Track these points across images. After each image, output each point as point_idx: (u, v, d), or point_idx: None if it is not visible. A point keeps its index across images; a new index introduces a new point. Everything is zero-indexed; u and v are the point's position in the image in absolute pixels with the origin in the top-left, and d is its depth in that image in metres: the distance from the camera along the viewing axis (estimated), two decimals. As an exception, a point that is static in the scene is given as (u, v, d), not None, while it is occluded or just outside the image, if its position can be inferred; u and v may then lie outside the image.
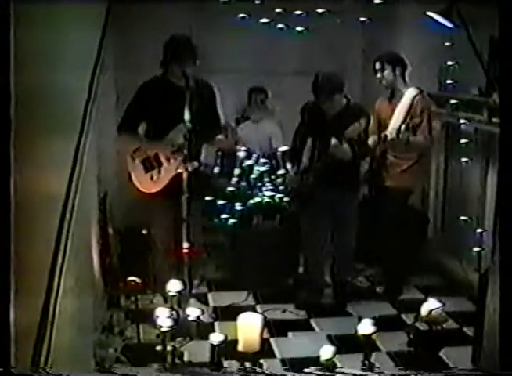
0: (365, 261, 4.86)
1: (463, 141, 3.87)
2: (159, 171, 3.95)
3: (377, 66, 4.30)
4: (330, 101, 4.00)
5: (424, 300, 3.69)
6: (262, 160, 4.76)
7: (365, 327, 3.20)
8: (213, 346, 3.14)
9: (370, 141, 4.37)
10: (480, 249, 3.53)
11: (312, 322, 4.11)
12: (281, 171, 4.74)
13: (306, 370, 2.66)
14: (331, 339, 3.80)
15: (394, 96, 4.33)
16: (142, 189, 3.96)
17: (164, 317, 3.30)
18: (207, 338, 3.24)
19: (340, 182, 3.99)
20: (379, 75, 4.30)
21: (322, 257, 4.32)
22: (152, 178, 3.95)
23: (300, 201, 4.37)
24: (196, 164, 3.96)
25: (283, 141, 5.16)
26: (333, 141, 3.89)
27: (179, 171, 3.82)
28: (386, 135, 4.25)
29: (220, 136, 4.08)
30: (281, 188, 4.67)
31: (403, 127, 4.11)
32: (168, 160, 3.93)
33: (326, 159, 3.97)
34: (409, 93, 4.25)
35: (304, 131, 4.20)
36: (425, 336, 3.61)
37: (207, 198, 4.52)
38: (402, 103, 4.26)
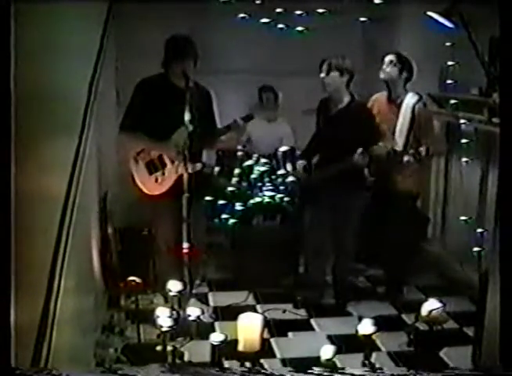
0: (366, 261, 4.87)
1: (463, 141, 3.87)
2: (163, 173, 3.93)
3: (389, 58, 4.23)
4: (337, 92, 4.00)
5: (424, 300, 3.69)
6: (263, 161, 4.76)
7: (366, 327, 3.21)
8: (213, 346, 3.15)
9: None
10: (480, 249, 3.53)
11: (312, 322, 4.11)
12: (281, 171, 4.73)
13: (306, 370, 2.66)
14: (331, 339, 3.80)
15: (391, 95, 4.29)
16: (147, 192, 3.94)
17: (164, 317, 3.30)
18: (207, 338, 3.25)
19: (342, 182, 3.98)
20: (384, 67, 4.23)
21: (323, 257, 4.32)
22: (156, 180, 3.94)
23: (303, 201, 4.38)
24: (199, 165, 3.96)
25: (294, 141, 5.15)
26: (356, 156, 3.84)
27: (183, 172, 3.81)
28: (394, 150, 4.17)
29: (228, 134, 4.06)
30: (281, 188, 4.67)
31: (411, 158, 4.05)
32: (172, 161, 3.91)
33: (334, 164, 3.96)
34: (409, 99, 4.20)
35: (316, 130, 4.19)
36: (425, 336, 3.61)
37: (208, 198, 4.52)
38: (403, 110, 4.20)
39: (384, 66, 4.24)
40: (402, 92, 4.24)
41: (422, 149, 4.05)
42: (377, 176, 4.43)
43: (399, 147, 4.18)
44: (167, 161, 3.93)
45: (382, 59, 4.28)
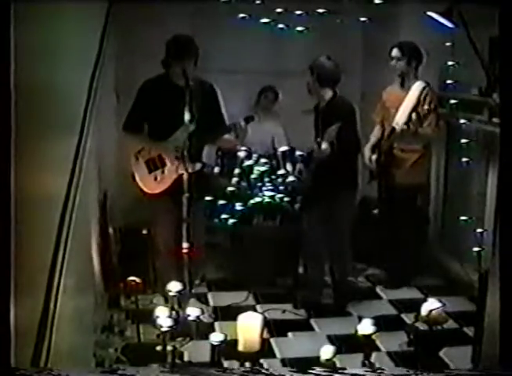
0: (366, 260, 4.88)
1: (463, 141, 3.87)
2: (162, 172, 3.94)
3: (395, 53, 4.39)
4: (321, 93, 4.08)
5: (424, 300, 3.69)
6: (262, 160, 4.75)
7: (365, 327, 3.21)
8: (213, 346, 3.15)
9: (376, 134, 4.50)
10: (480, 249, 3.53)
11: (312, 322, 4.11)
12: (281, 171, 4.73)
13: (306, 370, 2.66)
14: (331, 339, 3.80)
15: (404, 86, 4.44)
16: (146, 190, 3.95)
17: (164, 317, 3.30)
18: (207, 338, 3.25)
19: (335, 181, 3.98)
20: (393, 62, 4.41)
21: (321, 257, 4.32)
22: (156, 178, 3.95)
23: (298, 201, 4.40)
24: (199, 165, 3.96)
25: (286, 141, 5.15)
26: (314, 147, 3.90)
27: (183, 172, 3.82)
28: (393, 128, 4.32)
29: (227, 136, 4.08)
30: (281, 188, 4.66)
31: (413, 115, 4.20)
32: (172, 161, 3.92)
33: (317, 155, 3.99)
34: (417, 86, 4.34)
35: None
36: (425, 336, 3.61)
37: (208, 198, 4.52)
38: (409, 95, 4.34)
39: (393, 63, 4.41)
40: (412, 78, 4.41)
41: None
42: (379, 171, 4.49)
43: (399, 125, 4.31)
44: (167, 160, 3.94)
45: (389, 53, 4.42)
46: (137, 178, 3.97)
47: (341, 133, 3.84)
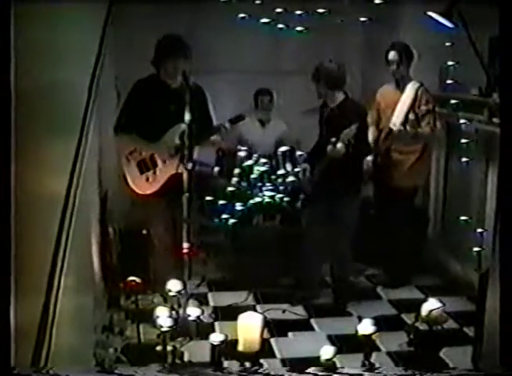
0: (366, 260, 4.88)
1: (463, 141, 3.87)
2: (154, 173, 3.96)
3: (393, 56, 4.39)
4: (330, 95, 4.07)
5: (424, 300, 3.69)
6: (262, 160, 4.75)
7: (366, 327, 3.21)
8: (213, 346, 3.15)
9: (371, 135, 4.47)
10: (480, 249, 3.53)
11: (312, 322, 4.11)
12: (281, 171, 4.73)
13: (306, 370, 2.66)
14: (331, 339, 3.80)
15: (399, 86, 4.44)
16: (138, 191, 3.97)
17: (164, 317, 3.30)
18: (207, 338, 3.25)
19: (337, 181, 3.99)
20: (393, 67, 4.39)
21: (321, 257, 4.32)
22: (147, 179, 3.96)
23: (300, 200, 4.40)
24: (190, 165, 3.95)
25: (295, 141, 5.15)
26: (329, 146, 3.89)
27: (174, 172, 3.82)
28: (390, 129, 4.31)
29: (214, 137, 4.08)
30: (281, 188, 4.66)
31: (411, 115, 4.19)
32: (164, 161, 3.93)
33: (323, 156, 3.98)
34: (412, 86, 4.36)
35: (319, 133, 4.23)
36: (425, 336, 3.61)
37: (208, 198, 4.52)
38: (404, 96, 4.36)
39: (394, 68, 4.39)
40: (407, 78, 4.43)
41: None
42: (376, 172, 4.48)
43: (396, 125, 4.33)
44: (159, 161, 3.95)
45: (386, 56, 4.41)
46: (128, 180, 3.98)
47: (355, 135, 3.85)
